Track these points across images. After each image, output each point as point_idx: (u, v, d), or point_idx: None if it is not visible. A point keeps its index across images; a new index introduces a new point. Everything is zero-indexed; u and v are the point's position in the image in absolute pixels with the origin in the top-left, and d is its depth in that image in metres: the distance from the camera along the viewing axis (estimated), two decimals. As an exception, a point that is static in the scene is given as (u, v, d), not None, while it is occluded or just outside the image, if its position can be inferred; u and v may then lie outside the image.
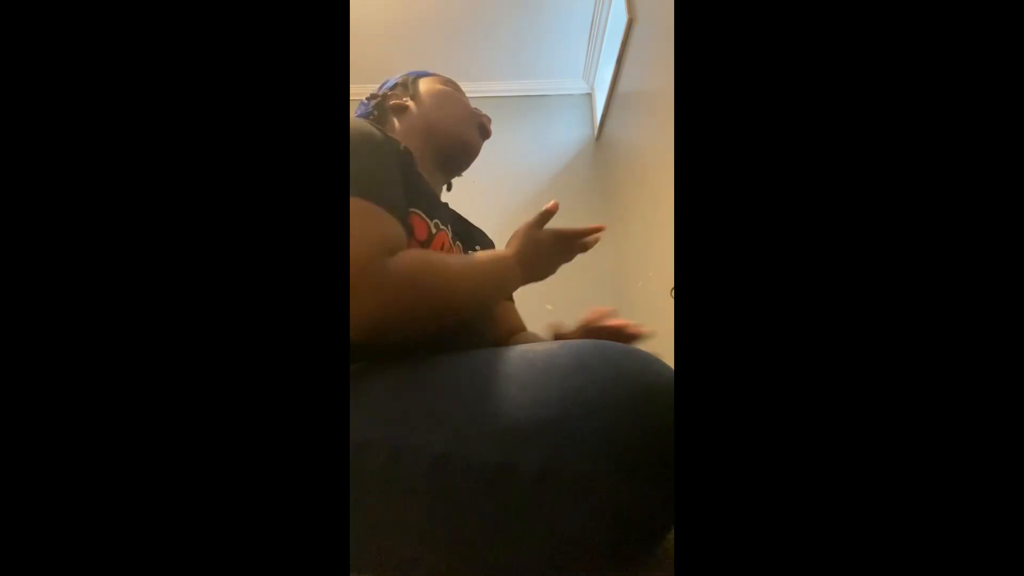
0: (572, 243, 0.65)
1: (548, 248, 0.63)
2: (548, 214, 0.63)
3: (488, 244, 0.83)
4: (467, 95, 0.81)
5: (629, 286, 2.21)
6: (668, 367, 0.40)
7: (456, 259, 0.54)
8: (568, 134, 2.86)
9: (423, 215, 0.62)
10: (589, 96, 2.93)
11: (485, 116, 0.80)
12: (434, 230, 0.64)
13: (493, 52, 2.69)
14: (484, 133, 0.80)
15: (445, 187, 0.82)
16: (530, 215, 0.64)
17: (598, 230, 0.65)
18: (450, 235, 0.68)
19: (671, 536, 0.47)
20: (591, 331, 0.66)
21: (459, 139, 0.76)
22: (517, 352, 0.43)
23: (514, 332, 0.80)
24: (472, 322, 0.65)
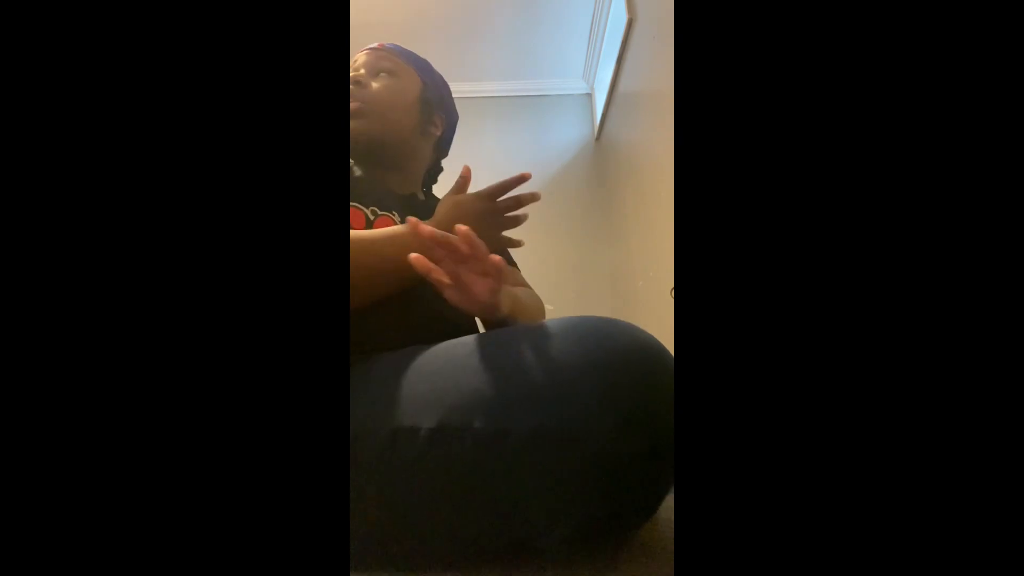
0: (495, 204, 0.59)
1: (469, 212, 0.58)
2: (463, 180, 0.60)
3: None
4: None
5: (629, 286, 2.21)
6: (648, 333, 0.42)
7: (354, 232, 0.53)
8: (568, 134, 2.86)
9: (358, 205, 0.63)
10: (589, 96, 2.93)
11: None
12: (372, 216, 0.64)
13: (493, 52, 2.69)
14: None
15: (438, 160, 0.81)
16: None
17: (522, 180, 0.58)
18: (397, 219, 0.67)
19: (671, 533, 0.47)
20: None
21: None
22: (507, 330, 0.45)
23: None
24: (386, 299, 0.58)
